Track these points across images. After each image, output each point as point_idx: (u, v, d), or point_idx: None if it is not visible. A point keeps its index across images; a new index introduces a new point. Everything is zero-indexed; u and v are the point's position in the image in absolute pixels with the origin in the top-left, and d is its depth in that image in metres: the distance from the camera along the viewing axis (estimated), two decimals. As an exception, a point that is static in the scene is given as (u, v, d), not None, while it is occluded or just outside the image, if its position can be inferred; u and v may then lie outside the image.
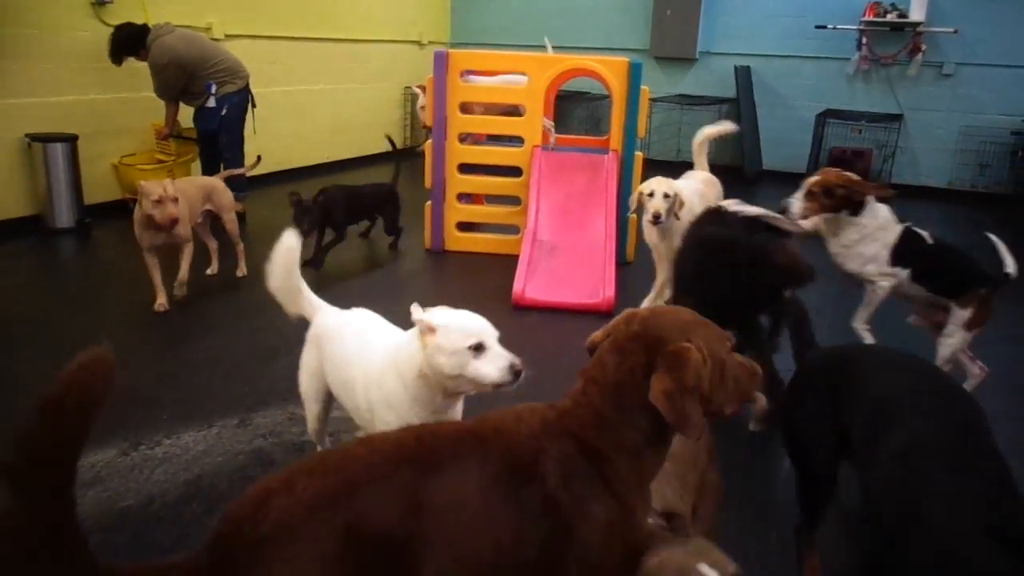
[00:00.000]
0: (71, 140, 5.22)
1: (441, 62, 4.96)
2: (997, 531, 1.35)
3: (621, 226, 4.87)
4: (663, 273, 4.09)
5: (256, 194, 6.06)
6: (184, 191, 3.94)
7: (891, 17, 7.63)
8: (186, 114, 5.75)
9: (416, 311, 1.88)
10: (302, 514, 1.19)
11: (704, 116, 8.23)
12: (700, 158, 4.75)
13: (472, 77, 5.29)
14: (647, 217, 3.85)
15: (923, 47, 7.62)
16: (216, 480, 2.51)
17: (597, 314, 4.09)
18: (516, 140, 5.27)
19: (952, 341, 3.10)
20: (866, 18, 7.72)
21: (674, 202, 3.84)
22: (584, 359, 1.47)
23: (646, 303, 4.06)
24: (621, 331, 1.43)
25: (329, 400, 2.36)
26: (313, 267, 4.62)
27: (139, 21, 5.43)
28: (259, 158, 5.41)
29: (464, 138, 5.34)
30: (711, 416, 1.43)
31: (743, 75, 8.17)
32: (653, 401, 1.33)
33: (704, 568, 1.26)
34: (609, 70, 4.94)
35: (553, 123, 5.52)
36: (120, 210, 5.54)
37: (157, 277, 3.95)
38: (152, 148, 5.90)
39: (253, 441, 2.76)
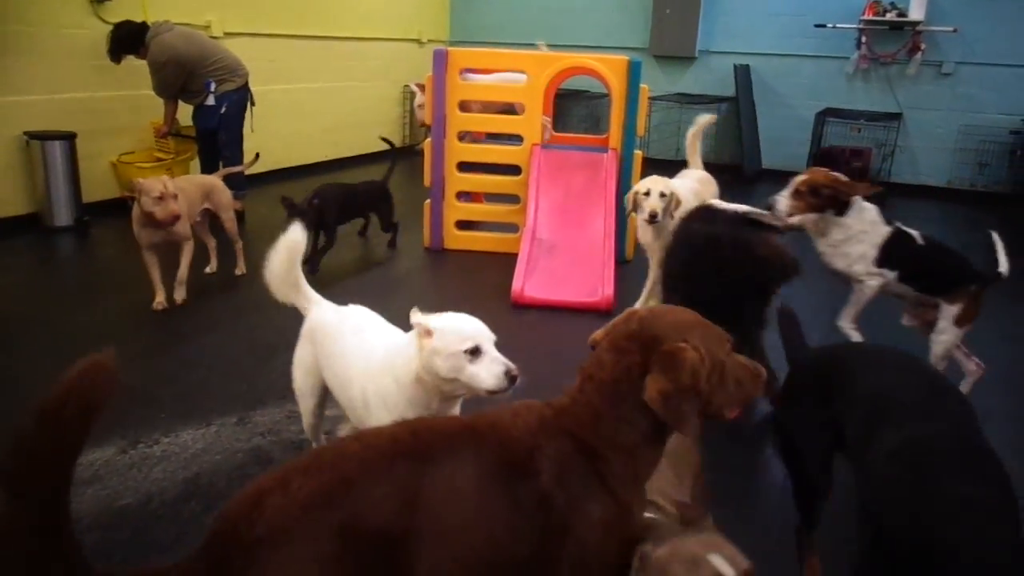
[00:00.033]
0: (69, 138, 5.22)
1: (440, 60, 4.96)
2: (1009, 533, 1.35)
3: (620, 225, 4.87)
4: (655, 273, 4.10)
5: (255, 192, 6.06)
6: (183, 190, 3.94)
7: (890, 16, 7.63)
8: (185, 112, 5.75)
9: (415, 315, 1.88)
10: (297, 514, 1.19)
11: (703, 115, 8.23)
12: (694, 157, 4.76)
13: (470, 75, 5.29)
14: (643, 216, 3.85)
15: (922, 46, 7.62)
16: (215, 478, 2.51)
17: (596, 312, 4.09)
18: (515, 138, 5.27)
19: (944, 338, 3.09)
20: (865, 17, 7.72)
21: (670, 201, 3.83)
22: (583, 357, 1.47)
23: (638, 304, 4.06)
24: (620, 330, 1.43)
25: (324, 396, 2.36)
26: (308, 271, 4.60)
27: (138, 19, 5.42)
28: (257, 155, 5.40)
29: (463, 136, 5.34)
30: (712, 417, 1.43)
31: (742, 74, 8.17)
32: (648, 401, 1.33)
33: (716, 560, 1.23)
34: (608, 68, 4.94)
35: (549, 120, 5.51)
36: (119, 208, 5.53)
37: (156, 275, 3.95)
38: (151, 146, 5.89)
39: (252, 439, 2.76)
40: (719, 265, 2.78)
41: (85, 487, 2.41)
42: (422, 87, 6.32)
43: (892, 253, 3.09)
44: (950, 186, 7.91)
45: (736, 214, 2.98)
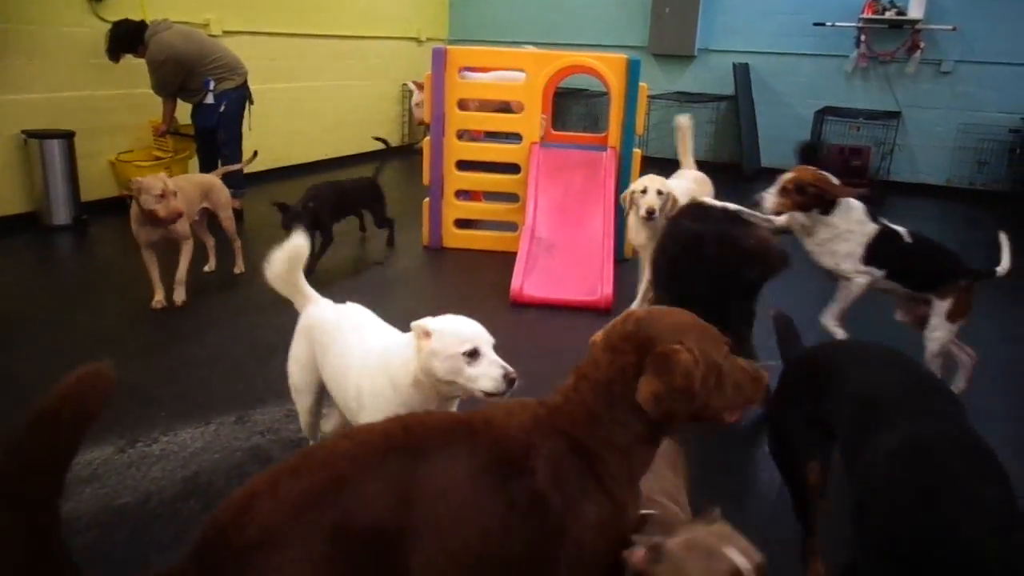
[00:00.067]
0: (68, 137, 5.21)
1: (439, 58, 4.95)
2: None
3: (619, 223, 4.87)
4: (649, 273, 4.09)
5: (254, 191, 6.05)
6: (182, 188, 3.93)
7: (890, 14, 7.62)
8: (184, 111, 5.74)
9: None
10: (287, 517, 1.17)
11: (703, 113, 8.23)
12: (686, 157, 4.76)
13: (467, 73, 5.29)
14: (640, 213, 3.83)
15: (921, 44, 7.62)
16: (214, 477, 2.51)
17: (595, 311, 4.09)
18: (514, 137, 5.26)
19: (938, 335, 3.09)
20: (865, 15, 7.71)
21: (667, 200, 3.83)
22: (582, 356, 1.47)
23: (634, 305, 4.05)
24: (616, 330, 1.43)
25: (321, 393, 2.36)
26: (305, 271, 4.58)
27: (137, 17, 5.41)
28: (255, 153, 5.40)
29: (462, 135, 5.33)
30: (711, 420, 1.42)
31: (742, 72, 8.17)
32: (640, 402, 1.33)
33: (732, 553, 1.22)
34: (607, 67, 4.94)
35: (546, 117, 5.51)
36: (117, 207, 5.53)
37: (155, 274, 3.95)
38: (150, 145, 5.89)
39: (251, 438, 2.76)
40: (706, 261, 2.78)
41: (84, 486, 2.41)
42: (420, 85, 6.33)
43: (879, 251, 3.10)
44: (949, 184, 7.91)
45: (725, 211, 2.99)
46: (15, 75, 5.07)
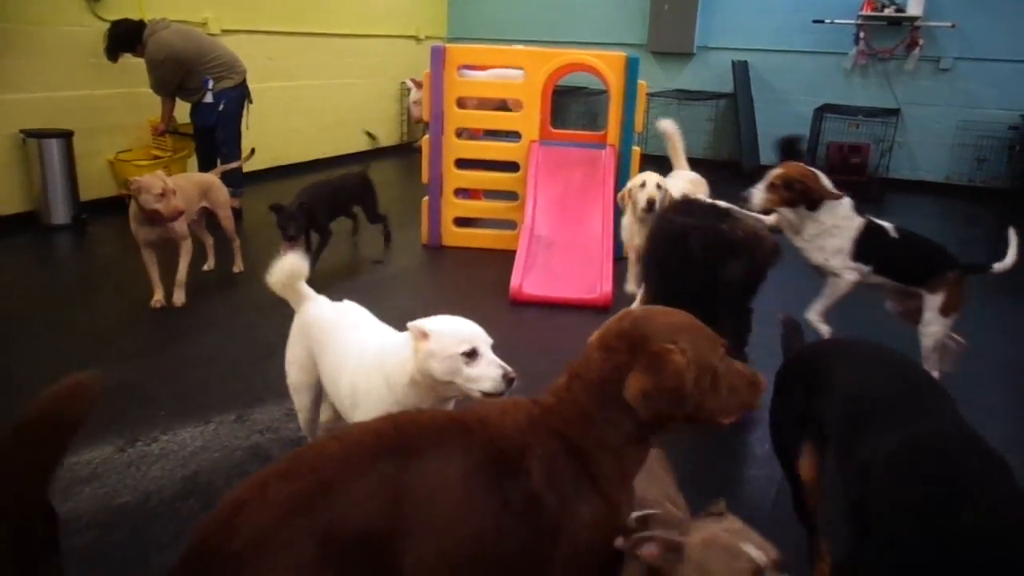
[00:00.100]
0: (66, 136, 5.20)
1: (438, 57, 4.95)
2: None
3: (618, 221, 4.86)
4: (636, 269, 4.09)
5: (253, 190, 6.04)
6: (181, 187, 3.92)
7: (889, 11, 7.61)
8: (183, 110, 5.73)
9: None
10: (275, 523, 1.16)
11: (702, 111, 8.23)
12: (679, 159, 4.75)
13: (466, 72, 5.28)
14: (641, 205, 3.82)
15: (920, 41, 7.61)
16: (213, 476, 2.51)
17: (594, 309, 4.08)
18: (512, 135, 5.25)
19: (933, 330, 3.09)
20: (864, 12, 7.70)
21: (665, 195, 3.82)
22: (581, 355, 1.47)
23: (635, 304, 4.05)
24: (611, 329, 1.42)
25: (319, 391, 2.36)
26: None
27: (135, 16, 5.40)
28: (252, 150, 5.39)
29: (460, 133, 5.33)
30: (707, 423, 1.42)
31: (740, 70, 8.16)
32: (628, 399, 1.33)
33: (751, 549, 1.21)
34: (606, 65, 4.93)
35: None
36: (116, 206, 5.52)
37: (154, 273, 3.94)
38: (148, 144, 5.88)
39: (250, 437, 2.76)
40: (692, 253, 2.77)
41: (83, 485, 2.41)
42: (418, 83, 6.31)
43: (865, 247, 3.11)
44: (948, 181, 7.90)
45: (714, 207, 3.00)
46: (14, 74, 5.06)
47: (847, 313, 3.34)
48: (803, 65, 8.22)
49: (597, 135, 5.59)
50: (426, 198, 5.24)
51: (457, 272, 4.94)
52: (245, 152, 5.54)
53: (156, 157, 5.75)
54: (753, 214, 3.11)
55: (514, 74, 5.18)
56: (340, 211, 5.00)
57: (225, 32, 6.40)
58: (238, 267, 4.54)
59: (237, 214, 5.07)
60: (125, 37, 5.27)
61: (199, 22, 6.16)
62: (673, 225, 2.92)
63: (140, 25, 5.28)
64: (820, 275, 3.26)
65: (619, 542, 1.30)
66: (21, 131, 5.10)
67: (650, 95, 7.20)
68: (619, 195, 4.09)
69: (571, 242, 4.68)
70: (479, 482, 1.28)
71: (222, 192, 4.45)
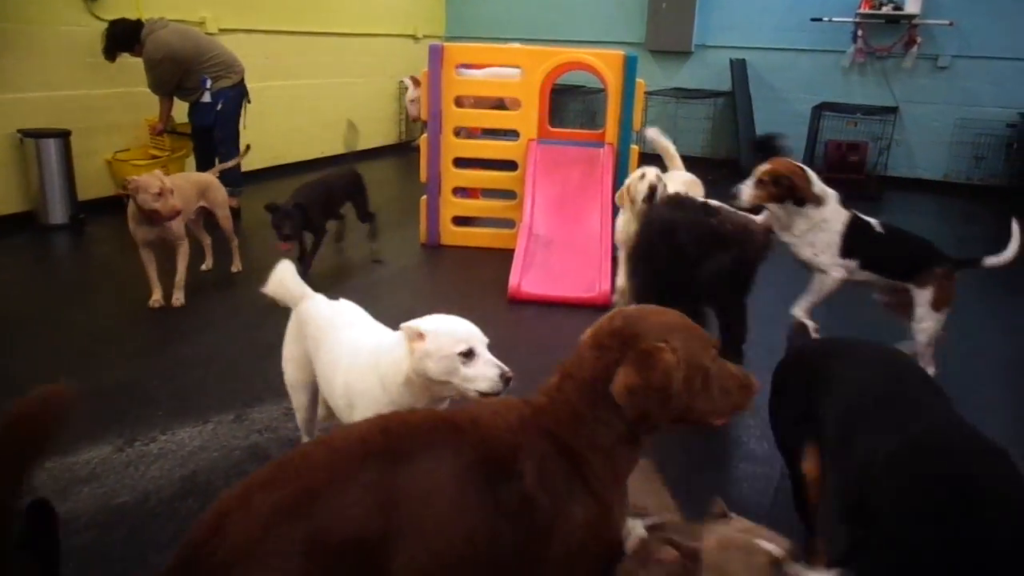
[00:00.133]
0: (64, 136, 5.20)
1: (436, 55, 4.94)
2: None
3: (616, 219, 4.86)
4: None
5: (251, 189, 6.04)
6: (179, 187, 3.92)
7: (886, 9, 7.61)
8: (181, 109, 5.73)
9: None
10: (259, 533, 1.15)
11: (700, 109, 8.23)
12: (674, 161, 4.75)
13: (463, 70, 5.28)
14: (642, 195, 3.78)
15: (918, 39, 7.61)
16: (212, 476, 2.51)
17: (593, 308, 4.08)
18: (511, 134, 5.25)
19: (926, 325, 3.09)
20: (861, 10, 7.70)
21: (664, 187, 3.81)
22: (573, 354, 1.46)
23: (617, 296, 4.06)
24: (603, 328, 1.42)
25: (316, 389, 2.36)
26: (302, 271, 4.51)
27: (133, 16, 5.39)
28: (248, 147, 5.36)
29: (459, 132, 5.32)
30: (697, 424, 1.42)
31: (739, 68, 8.16)
32: (614, 394, 1.32)
33: (765, 544, 1.22)
34: (604, 63, 4.93)
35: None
36: (114, 206, 5.51)
37: (153, 273, 3.94)
38: (146, 144, 5.88)
39: (249, 436, 2.76)
40: (679, 246, 2.78)
41: (82, 485, 2.41)
42: (416, 81, 6.31)
43: (851, 243, 3.12)
44: (946, 179, 7.90)
45: (704, 204, 3.00)
46: (11, 74, 5.05)
47: (837, 309, 3.34)
48: (801, 63, 8.22)
49: (595, 134, 5.59)
50: (424, 197, 5.23)
51: (455, 271, 4.94)
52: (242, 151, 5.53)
53: (154, 157, 5.75)
54: (743, 213, 3.11)
55: (511, 73, 5.17)
56: (335, 208, 4.97)
57: (223, 31, 6.39)
58: (236, 267, 4.53)
59: (235, 214, 5.06)
60: (123, 36, 5.26)
61: (197, 21, 6.15)
62: (662, 219, 2.92)
63: (138, 24, 5.28)
64: (808, 271, 3.26)
65: (631, 545, 1.30)
66: (19, 131, 5.09)
67: (648, 94, 7.20)
68: (617, 194, 4.08)
69: (569, 241, 4.68)
70: (470, 483, 1.28)
71: (220, 192, 4.44)
